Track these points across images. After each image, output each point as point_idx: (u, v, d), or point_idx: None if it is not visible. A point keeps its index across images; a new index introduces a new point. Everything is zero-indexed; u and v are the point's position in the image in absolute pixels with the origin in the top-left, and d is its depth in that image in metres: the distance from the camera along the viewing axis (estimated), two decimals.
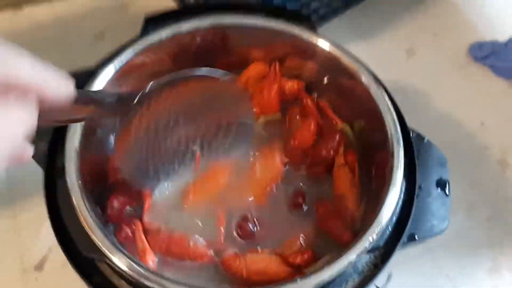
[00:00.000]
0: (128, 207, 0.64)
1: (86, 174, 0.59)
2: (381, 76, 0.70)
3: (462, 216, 0.92)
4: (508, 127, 1.05)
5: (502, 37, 1.15)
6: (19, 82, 0.36)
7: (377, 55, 1.12)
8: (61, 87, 0.40)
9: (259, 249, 0.61)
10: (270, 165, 0.67)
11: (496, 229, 0.91)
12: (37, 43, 1.13)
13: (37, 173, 0.65)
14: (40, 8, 1.15)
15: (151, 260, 0.60)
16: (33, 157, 0.63)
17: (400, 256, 0.82)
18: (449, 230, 0.73)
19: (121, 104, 0.53)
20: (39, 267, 0.87)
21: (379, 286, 0.83)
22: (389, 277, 0.84)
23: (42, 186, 0.60)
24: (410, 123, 0.69)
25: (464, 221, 0.91)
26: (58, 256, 0.87)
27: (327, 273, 0.49)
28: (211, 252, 0.60)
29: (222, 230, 0.63)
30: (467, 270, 0.87)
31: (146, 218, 0.64)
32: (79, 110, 0.48)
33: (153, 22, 0.68)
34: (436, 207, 0.59)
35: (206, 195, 0.66)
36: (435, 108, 1.07)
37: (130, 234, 0.62)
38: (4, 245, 0.89)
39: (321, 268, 0.50)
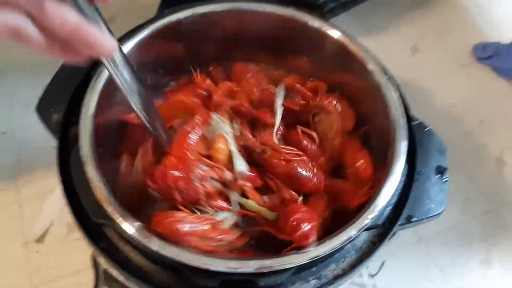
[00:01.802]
0: None
1: (100, 144, 0.60)
2: None
3: (458, 209, 0.94)
4: (508, 126, 1.07)
5: (505, 39, 1.17)
6: None
7: (382, 50, 1.12)
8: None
9: None
10: None
11: (490, 223, 0.94)
12: None
13: (43, 149, 0.67)
14: None
15: None
16: (48, 127, 0.66)
17: (395, 245, 0.85)
18: (445, 222, 0.76)
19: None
20: (41, 240, 0.89)
21: (372, 273, 0.85)
22: (382, 265, 0.86)
23: (53, 158, 0.62)
24: None
25: (460, 214, 0.94)
26: (59, 230, 0.90)
27: (327, 247, 0.51)
28: None
29: None
30: (460, 261, 0.89)
31: None
32: None
33: (170, 3, 0.70)
34: (434, 192, 0.61)
35: None
36: (436, 104, 1.09)
37: None
38: (7, 218, 0.91)
39: (322, 241, 0.52)
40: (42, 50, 0.37)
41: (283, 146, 0.66)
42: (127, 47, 0.67)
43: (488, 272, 0.89)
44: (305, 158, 0.65)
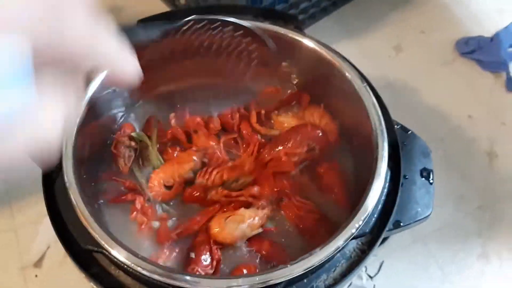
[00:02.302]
0: None
1: (83, 171, 0.61)
2: (369, 72, 0.72)
3: (453, 206, 0.94)
4: (495, 119, 1.07)
5: (487, 33, 1.18)
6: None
7: (366, 52, 1.14)
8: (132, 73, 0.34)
9: None
10: None
11: (485, 217, 0.94)
12: None
13: (34, 173, 0.67)
14: None
15: None
16: (31, 157, 0.66)
17: (393, 245, 0.85)
18: (440, 220, 0.76)
19: None
20: (38, 264, 0.89)
21: (371, 274, 0.85)
22: (380, 266, 0.86)
23: (41, 184, 0.62)
24: (399, 117, 0.72)
25: (455, 211, 0.94)
26: (56, 253, 0.90)
27: (316, 258, 0.52)
28: None
29: None
30: (458, 257, 0.89)
31: None
32: None
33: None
34: (420, 195, 0.62)
35: None
36: (423, 102, 1.09)
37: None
38: (4, 244, 0.91)
39: (311, 253, 0.52)
40: None
41: None
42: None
43: (486, 266, 0.89)
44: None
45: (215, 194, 0.70)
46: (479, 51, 1.16)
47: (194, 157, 0.73)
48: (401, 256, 0.89)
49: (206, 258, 0.61)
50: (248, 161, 0.72)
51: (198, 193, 0.71)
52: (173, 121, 0.78)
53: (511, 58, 1.15)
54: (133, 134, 0.76)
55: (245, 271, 0.62)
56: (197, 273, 0.60)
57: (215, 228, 0.65)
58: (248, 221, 0.65)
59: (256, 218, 0.65)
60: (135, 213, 0.68)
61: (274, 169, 0.70)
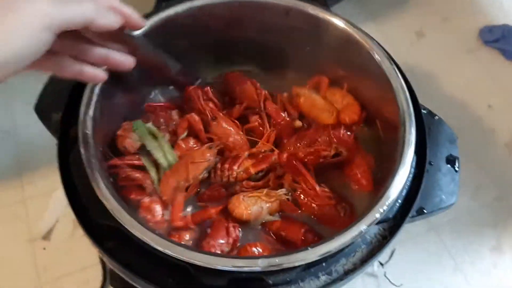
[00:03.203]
0: None
1: (99, 143, 0.59)
2: None
3: (469, 196, 0.93)
4: None
5: None
6: None
7: (386, 37, 1.10)
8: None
9: None
10: None
11: (502, 209, 0.92)
12: None
13: (45, 146, 0.66)
14: None
15: None
16: (47, 127, 0.65)
17: (405, 234, 0.84)
18: (456, 209, 0.74)
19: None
20: (47, 237, 0.89)
21: (382, 262, 0.84)
22: (392, 253, 0.85)
23: (55, 157, 0.60)
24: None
25: (471, 201, 0.92)
26: (66, 226, 0.89)
27: (338, 242, 0.50)
28: None
29: None
30: (471, 248, 0.88)
31: None
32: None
33: None
34: (445, 183, 0.60)
35: None
36: (443, 90, 1.07)
37: None
38: (13, 216, 0.90)
39: (332, 237, 0.51)
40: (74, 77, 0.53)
41: None
42: None
43: (499, 259, 0.88)
44: None
45: (240, 189, 0.66)
46: (503, 40, 1.13)
47: (209, 155, 0.66)
48: (413, 244, 0.88)
49: (223, 235, 0.60)
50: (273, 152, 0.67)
51: (217, 192, 0.66)
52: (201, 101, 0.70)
53: None
54: (137, 124, 0.67)
55: (255, 250, 0.60)
56: (213, 248, 0.58)
57: (232, 203, 0.63)
58: (264, 198, 0.63)
59: (274, 199, 0.63)
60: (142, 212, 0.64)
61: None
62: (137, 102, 0.72)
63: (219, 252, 0.59)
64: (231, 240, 0.60)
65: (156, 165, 0.67)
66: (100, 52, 0.54)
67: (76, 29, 0.47)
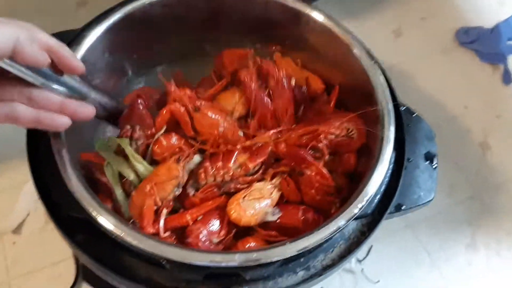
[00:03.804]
0: None
1: (70, 134, 0.57)
2: None
3: (444, 194, 0.94)
4: (491, 111, 1.06)
5: (488, 24, 1.16)
6: None
7: (364, 34, 1.10)
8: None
9: None
10: None
11: (476, 207, 0.93)
12: (18, 9, 1.09)
13: (15, 137, 0.63)
14: None
15: None
16: None
17: (382, 231, 0.84)
18: (431, 207, 0.75)
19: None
20: (17, 231, 0.85)
21: (359, 258, 0.84)
22: (369, 250, 0.85)
23: (25, 146, 0.58)
24: None
25: (446, 200, 0.93)
26: (36, 220, 0.86)
27: (316, 238, 0.50)
28: None
29: None
30: (446, 245, 0.89)
31: None
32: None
33: None
34: (423, 179, 0.60)
35: None
36: (420, 89, 1.08)
37: None
38: None
39: (310, 232, 0.50)
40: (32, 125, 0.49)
41: None
42: (98, 31, 0.63)
43: (474, 256, 0.89)
44: None
45: (234, 186, 0.61)
46: (478, 41, 1.15)
47: (177, 172, 0.58)
48: (390, 241, 0.88)
49: (215, 223, 0.57)
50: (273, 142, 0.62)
51: (210, 194, 0.60)
52: (173, 89, 0.64)
53: (509, 51, 1.14)
54: (97, 143, 0.62)
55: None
56: (201, 235, 0.56)
57: (233, 212, 0.58)
58: (266, 195, 0.59)
59: (274, 192, 0.60)
60: None
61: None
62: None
63: (206, 242, 0.57)
64: (223, 232, 0.57)
65: None
66: (54, 99, 0.49)
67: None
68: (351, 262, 0.84)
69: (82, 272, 0.70)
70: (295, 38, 0.72)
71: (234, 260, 0.48)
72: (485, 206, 0.94)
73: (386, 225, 0.57)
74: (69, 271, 0.79)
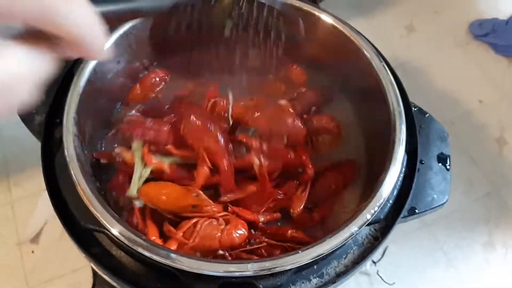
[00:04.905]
0: None
1: (84, 147, 0.58)
2: None
3: (461, 192, 0.92)
4: (507, 105, 1.05)
5: (502, 15, 1.14)
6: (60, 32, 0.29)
7: (376, 31, 1.11)
8: (101, 48, 0.32)
9: None
10: None
11: (493, 205, 0.92)
12: None
13: (32, 147, 0.64)
14: None
15: None
16: (30, 129, 0.63)
17: (398, 230, 0.84)
18: (447, 206, 0.74)
19: None
20: (35, 240, 0.87)
21: (374, 260, 0.84)
22: (384, 251, 0.85)
23: (40, 158, 0.59)
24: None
25: (462, 197, 0.92)
26: (54, 229, 0.88)
27: (328, 245, 0.49)
28: None
29: None
30: (463, 244, 0.88)
31: None
32: None
33: None
34: (437, 182, 0.59)
35: None
36: (434, 85, 1.06)
37: None
38: (0, 219, 0.88)
39: (323, 240, 0.50)
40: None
41: None
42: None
43: (491, 255, 0.88)
44: None
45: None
46: (493, 34, 1.12)
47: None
48: (405, 241, 0.88)
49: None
50: None
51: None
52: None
53: None
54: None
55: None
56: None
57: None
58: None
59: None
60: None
61: None
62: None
63: None
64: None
65: None
66: None
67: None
68: (367, 264, 0.84)
69: (98, 283, 0.71)
70: (304, 40, 0.71)
71: (247, 269, 0.49)
72: (502, 203, 0.92)
73: (401, 225, 0.57)
74: (88, 279, 0.81)
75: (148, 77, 0.72)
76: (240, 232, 0.58)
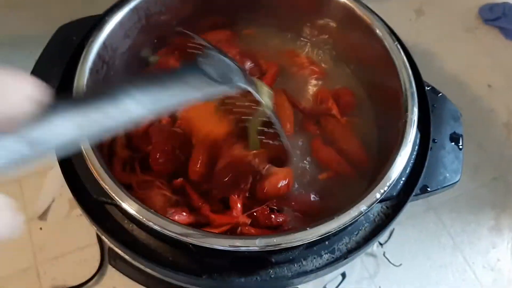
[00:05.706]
0: None
1: None
2: None
3: (468, 176, 0.92)
4: None
5: None
6: None
7: (385, 14, 1.09)
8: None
9: None
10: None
11: (500, 189, 0.92)
12: None
13: None
14: None
15: None
16: None
17: (404, 213, 0.84)
18: (455, 189, 0.74)
19: None
20: (43, 217, 0.87)
21: (381, 242, 0.84)
22: (391, 233, 0.85)
23: None
24: None
25: (469, 181, 0.92)
26: (62, 205, 0.88)
27: (337, 223, 0.49)
28: None
29: None
30: (469, 228, 0.88)
31: None
32: None
33: None
34: (449, 160, 0.59)
35: None
36: (442, 68, 1.06)
37: None
38: (8, 196, 0.88)
39: (333, 216, 0.50)
40: None
41: None
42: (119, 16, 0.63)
43: (498, 239, 0.88)
44: None
45: None
46: (503, 18, 1.11)
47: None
48: (412, 224, 0.88)
49: None
50: None
51: None
52: None
53: None
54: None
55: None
56: None
57: None
58: None
59: None
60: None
61: None
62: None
63: None
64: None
65: None
66: None
67: None
68: (373, 246, 0.84)
69: (108, 257, 0.71)
70: (318, 20, 0.71)
71: (254, 244, 0.48)
72: (509, 188, 0.92)
73: (408, 207, 0.57)
74: (94, 256, 0.81)
75: None
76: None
